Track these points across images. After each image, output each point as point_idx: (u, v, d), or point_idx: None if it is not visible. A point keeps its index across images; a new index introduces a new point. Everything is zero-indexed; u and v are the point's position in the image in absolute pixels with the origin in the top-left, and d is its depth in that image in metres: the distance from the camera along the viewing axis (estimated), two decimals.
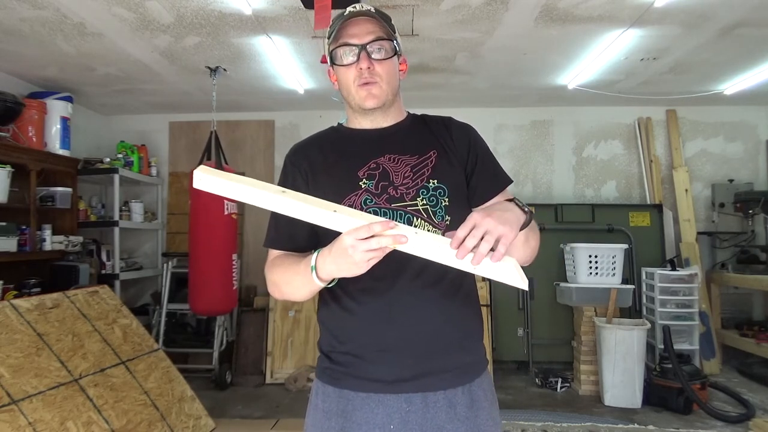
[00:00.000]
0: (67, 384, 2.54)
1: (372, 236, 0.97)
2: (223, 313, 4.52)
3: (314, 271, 1.08)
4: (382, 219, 1.00)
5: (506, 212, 1.02)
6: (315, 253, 1.09)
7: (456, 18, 3.24)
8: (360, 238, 0.97)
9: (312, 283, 1.10)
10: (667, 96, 4.90)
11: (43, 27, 3.29)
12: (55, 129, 4.27)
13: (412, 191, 1.20)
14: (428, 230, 1.17)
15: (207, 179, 1.09)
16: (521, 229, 1.05)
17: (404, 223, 1.16)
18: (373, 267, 1.01)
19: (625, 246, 4.51)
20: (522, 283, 0.97)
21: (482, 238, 0.96)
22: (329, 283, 1.13)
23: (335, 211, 1.02)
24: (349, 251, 0.98)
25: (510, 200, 1.11)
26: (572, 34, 3.52)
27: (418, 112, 1.39)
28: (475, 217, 0.98)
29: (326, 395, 1.22)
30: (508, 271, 0.98)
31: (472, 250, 0.96)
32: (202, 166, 1.12)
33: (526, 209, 1.08)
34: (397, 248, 0.98)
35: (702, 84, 4.60)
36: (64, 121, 4.32)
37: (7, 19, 3.17)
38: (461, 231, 0.97)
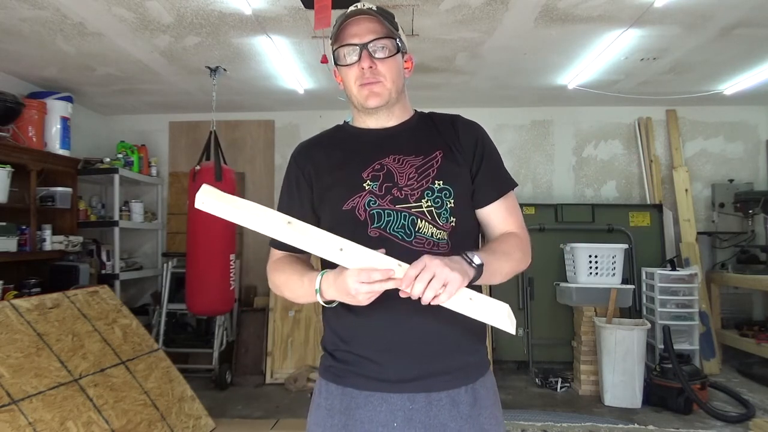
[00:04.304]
0: (67, 384, 2.54)
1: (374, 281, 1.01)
2: (220, 314, 4.51)
3: (318, 293, 1.12)
4: (386, 262, 1.02)
5: (455, 263, 1.02)
6: (320, 276, 1.12)
7: (456, 18, 3.24)
8: (362, 282, 1.00)
9: (315, 300, 1.14)
10: (667, 96, 4.90)
11: (43, 27, 3.28)
12: (55, 129, 4.27)
13: (417, 192, 1.19)
14: (432, 233, 1.18)
15: (210, 202, 1.07)
16: (473, 281, 1.05)
17: (408, 224, 1.17)
18: None
19: (625, 246, 4.51)
20: (511, 328, 1.03)
21: (429, 282, 0.98)
22: (331, 303, 1.16)
23: (341, 249, 1.04)
24: (352, 292, 1.02)
25: (459, 255, 1.09)
26: (572, 34, 3.52)
27: (426, 110, 1.37)
28: (425, 259, 1.00)
29: (329, 393, 1.22)
30: (500, 316, 1.02)
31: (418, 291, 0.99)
32: (205, 186, 1.09)
33: (474, 263, 1.06)
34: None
35: (702, 84, 4.60)
36: (64, 121, 4.32)
37: (7, 19, 3.17)
38: (411, 270, 0.99)
